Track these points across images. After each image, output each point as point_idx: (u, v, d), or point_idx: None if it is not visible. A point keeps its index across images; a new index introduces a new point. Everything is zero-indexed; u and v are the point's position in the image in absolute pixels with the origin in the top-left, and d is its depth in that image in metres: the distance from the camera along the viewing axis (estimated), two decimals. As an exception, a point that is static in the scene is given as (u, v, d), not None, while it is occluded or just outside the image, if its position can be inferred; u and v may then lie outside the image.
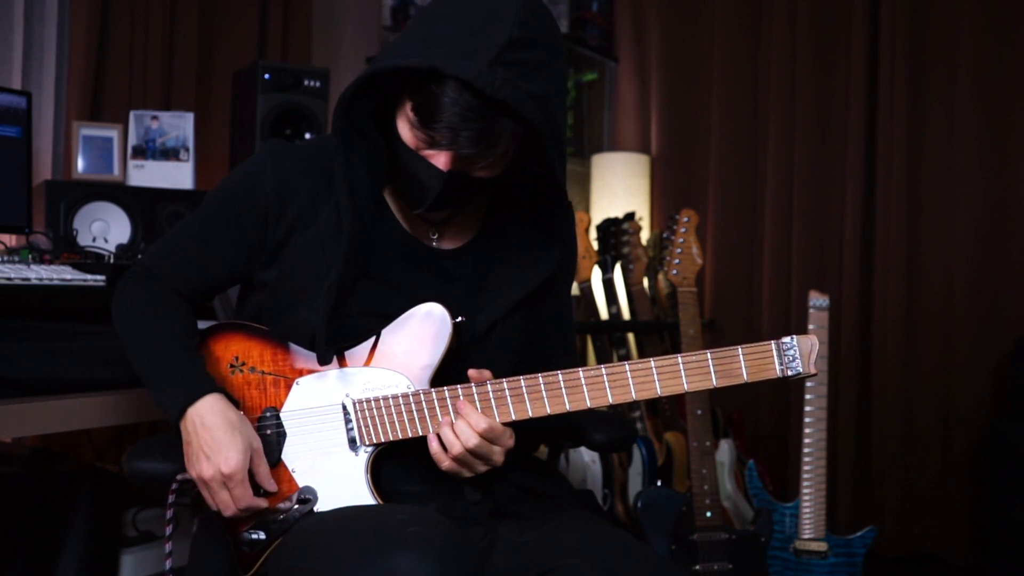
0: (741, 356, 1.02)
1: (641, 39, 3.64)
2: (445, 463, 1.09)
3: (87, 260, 1.93)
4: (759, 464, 2.38)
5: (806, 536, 2.19)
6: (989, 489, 2.49)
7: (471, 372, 1.09)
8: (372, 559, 0.94)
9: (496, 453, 1.09)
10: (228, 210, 1.19)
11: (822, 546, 2.18)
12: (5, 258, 1.83)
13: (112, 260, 2.00)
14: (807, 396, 2.22)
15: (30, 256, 1.88)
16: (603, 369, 1.05)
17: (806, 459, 2.22)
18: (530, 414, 1.08)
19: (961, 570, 2.79)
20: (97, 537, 2.01)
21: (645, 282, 2.94)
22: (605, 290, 2.93)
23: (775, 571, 2.20)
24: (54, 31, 2.60)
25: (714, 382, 1.02)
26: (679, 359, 1.03)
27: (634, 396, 1.05)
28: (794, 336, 1.01)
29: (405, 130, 1.07)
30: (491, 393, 1.09)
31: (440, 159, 1.06)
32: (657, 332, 2.98)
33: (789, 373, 1.00)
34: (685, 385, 1.03)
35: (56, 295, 1.70)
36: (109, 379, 1.71)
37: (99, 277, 1.77)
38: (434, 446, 1.09)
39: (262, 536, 1.11)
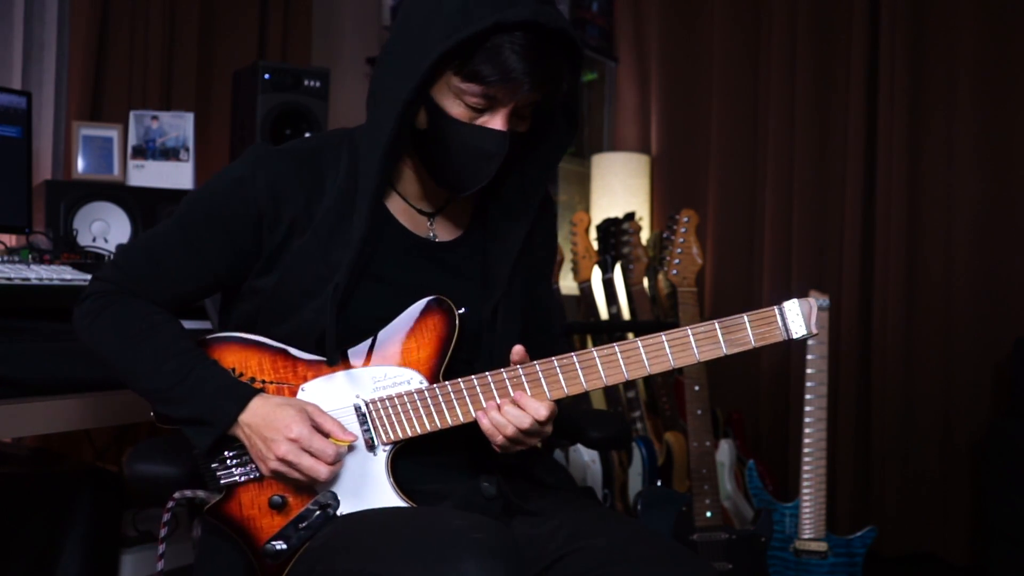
0: (747, 323, 1.04)
1: (641, 39, 3.63)
2: (499, 438, 1.09)
3: (87, 260, 1.94)
4: (759, 464, 2.38)
5: (806, 536, 2.19)
6: (989, 489, 2.49)
7: (514, 356, 1.09)
8: (438, 564, 0.94)
9: (547, 428, 1.10)
10: (215, 217, 1.15)
11: (822, 546, 2.18)
12: (5, 258, 1.83)
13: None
14: (807, 396, 2.22)
15: (30, 256, 1.88)
16: (616, 347, 1.07)
17: (806, 459, 2.21)
18: (548, 396, 1.09)
19: (961, 570, 2.79)
20: (97, 537, 2.01)
21: (645, 282, 2.94)
22: (605, 290, 2.93)
23: (775, 571, 2.20)
24: (54, 31, 2.60)
25: (724, 350, 1.05)
26: (688, 331, 1.06)
27: (648, 370, 1.07)
28: (794, 299, 1.04)
29: (454, 105, 1.07)
30: (507, 380, 1.09)
31: (496, 120, 1.07)
32: (657, 332, 2.97)
33: (793, 336, 1.03)
34: (696, 355, 1.05)
35: (56, 295, 1.70)
36: (109, 379, 1.71)
37: (99, 277, 1.77)
38: (485, 423, 1.09)
39: (284, 547, 1.09)
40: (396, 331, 1.14)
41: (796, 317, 1.03)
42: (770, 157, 3.16)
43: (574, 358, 1.08)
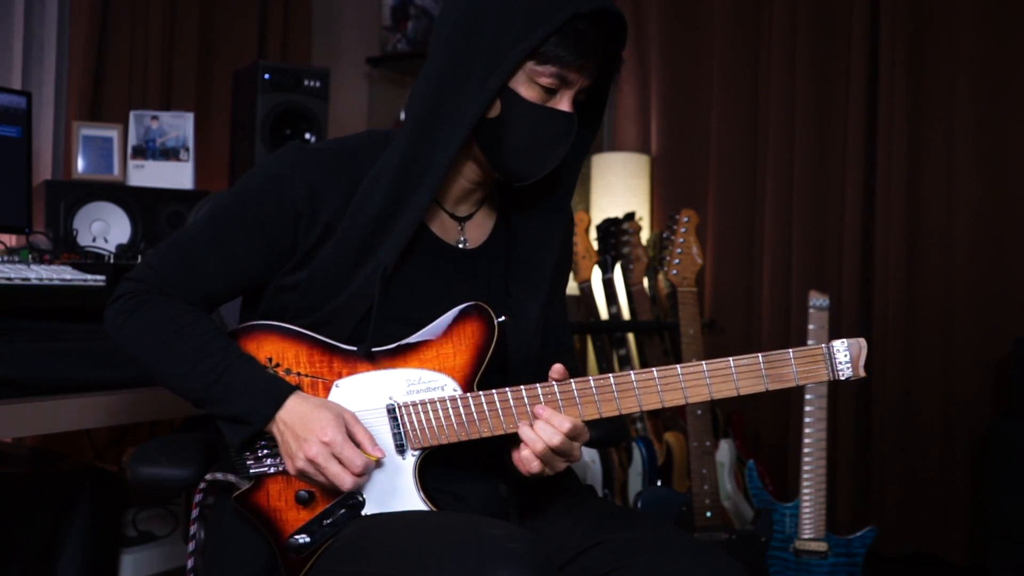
0: (792, 360, 1.02)
1: (641, 39, 3.63)
2: (535, 464, 1.07)
3: (87, 260, 1.93)
4: (759, 464, 2.38)
5: (806, 536, 2.19)
6: (989, 489, 2.49)
7: (553, 373, 1.08)
8: (473, 573, 0.94)
9: (576, 449, 1.10)
10: (251, 216, 1.14)
11: (822, 546, 2.18)
12: (5, 258, 1.83)
13: (112, 260, 2.00)
14: (807, 396, 2.22)
15: (30, 256, 1.88)
16: (655, 372, 1.05)
17: (806, 459, 2.22)
18: (582, 415, 1.08)
19: (961, 570, 2.79)
20: (97, 537, 2.01)
21: (645, 282, 2.94)
22: (605, 290, 2.93)
23: (775, 571, 2.20)
24: (54, 31, 2.60)
25: (766, 386, 1.02)
26: (731, 362, 1.03)
27: (686, 399, 1.04)
28: (844, 340, 1.01)
29: (529, 89, 1.10)
30: (541, 395, 1.08)
31: (564, 103, 1.11)
32: (657, 332, 2.98)
33: (840, 377, 1.01)
34: (737, 388, 1.03)
35: (56, 295, 1.70)
36: (109, 379, 1.72)
37: (99, 277, 1.77)
38: (524, 452, 1.07)
39: (308, 540, 1.09)
40: (433, 334, 1.12)
41: (844, 358, 1.01)
42: (770, 157, 3.16)
43: (611, 379, 1.06)
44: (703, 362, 1.04)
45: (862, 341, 1.01)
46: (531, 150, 1.12)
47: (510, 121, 1.10)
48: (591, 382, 1.06)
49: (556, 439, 1.05)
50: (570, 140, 1.13)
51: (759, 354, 1.02)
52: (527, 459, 1.07)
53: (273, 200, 1.13)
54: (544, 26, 1.05)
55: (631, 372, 1.06)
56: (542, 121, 1.10)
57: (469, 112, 1.08)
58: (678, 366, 1.04)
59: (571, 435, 1.07)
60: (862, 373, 1.01)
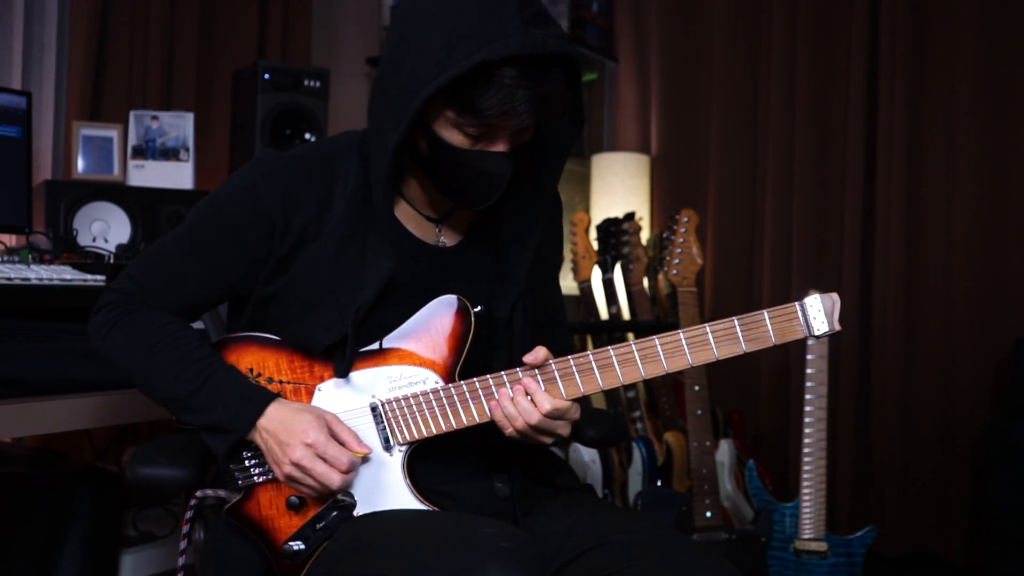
0: (767, 320, 1.02)
1: (641, 39, 3.63)
2: (508, 430, 1.09)
3: (87, 260, 1.94)
4: (759, 464, 2.38)
5: (806, 536, 2.19)
6: (989, 489, 2.49)
7: (527, 357, 1.08)
8: (464, 571, 0.94)
9: (560, 426, 1.10)
10: (227, 225, 1.15)
11: (822, 546, 2.18)
12: (5, 258, 1.83)
13: (112, 260, 2.00)
14: (807, 396, 2.22)
15: (30, 256, 1.88)
16: (633, 345, 1.05)
17: (806, 459, 2.21)
18: (564, 396, 1.08)
19: (961, 570, 2.79)
20: (97, 537, 2.01)
21: (645, 282, 2.94)
22: (605, 290, 2.93)
23: (775, 571, 2.20)
24: (54, 31, 2.60)
25: (743, 347, 1.03)
26: (707, 328, 1.04)
27: (666, 368, 1.05)
28: (817, 295, 1.02)
29: (453, 135, 1.05)
30: (523, 379, 1.09)
31: (499, 144, 1.06)
32: (657, 332, 2.98)
33: (815, 332, 1.02)
34: (716, 353, 1.03)
35: (56, 295, 1.70)
36: (109, 379, 1.72)
37: (99, 277, 1.78)
38: (498, 414, 1.09)
39: (302, 546, 1.09)
40: (412, 330, 1.13)
41: (818, 313, 1.02)
42: (770, 157, 3.16)
43: (590, 357, 1.07)
44: (680, 331, 1.04)
45: (835, 295, 1.03)
46: (466, 187, 1.10)
47: (438, 161, 1.09)
48: (570, 361, 1.07)
49: (535, 418, 1.06)
50: (506, 178, 1.08)
51: (734, 317, 1.03)
52: (502, 424, 1.09)
53: (249, 209, 1.13)
54: (448, 72, 0.98)
55: (609, 348, 1.06)
56: (472, 163, 1.06)
57: (389, 150, 1.06)
58: (655, 337, 1.05)
59: (552, 415, 1.08)
60: (837, 326, 1.02)
